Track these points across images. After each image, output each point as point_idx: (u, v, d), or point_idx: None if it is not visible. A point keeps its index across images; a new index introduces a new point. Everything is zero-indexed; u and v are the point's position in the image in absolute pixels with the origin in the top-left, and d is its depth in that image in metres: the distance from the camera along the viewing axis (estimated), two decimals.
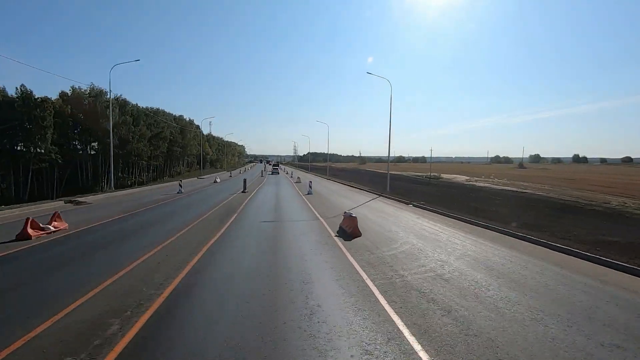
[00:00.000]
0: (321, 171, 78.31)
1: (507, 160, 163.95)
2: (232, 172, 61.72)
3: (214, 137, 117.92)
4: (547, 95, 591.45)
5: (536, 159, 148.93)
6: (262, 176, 49.27)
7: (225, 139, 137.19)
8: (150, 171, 63.58)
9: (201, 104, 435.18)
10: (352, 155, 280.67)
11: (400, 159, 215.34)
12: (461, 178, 63.71)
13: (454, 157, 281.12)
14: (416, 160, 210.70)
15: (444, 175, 67.00)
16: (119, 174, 50.15)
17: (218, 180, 35.57)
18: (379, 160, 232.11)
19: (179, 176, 69.02)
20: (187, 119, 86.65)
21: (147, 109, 56.17)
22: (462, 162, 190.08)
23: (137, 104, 52.52)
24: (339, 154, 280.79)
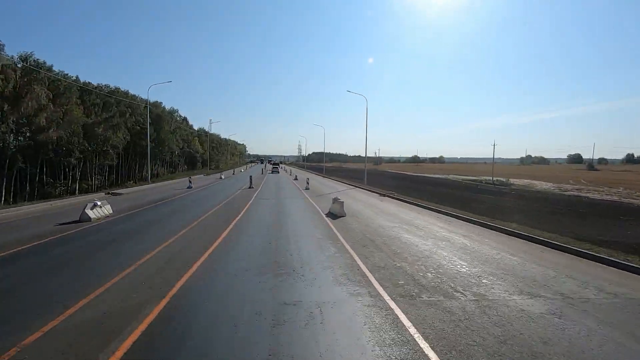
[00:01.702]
0: (337, 174, 60.10)
1: (542, 161, 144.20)
2: (191, 178, 32.92)
3: (206, 133, 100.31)
4: (552, 95, 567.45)
5: (577, 158, 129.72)
6: (250, 187, 28.11)
7: (215, 136, 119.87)
8: (105, 173, 45.89)
9: (203, 105, 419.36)
10: (359, 156, 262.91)
11: (415, 159, 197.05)
12: (541, 185, 45.27)
13: (459, 157, 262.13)
14: (433, 160, 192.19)
15: (513, 181, 48.44)
16: (39, 179, 32.48)
17: (100, 213, 12.74)
18: (390, 160, 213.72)
19: (150, 181, 51.27)
20: (169, 108, 68.99)
21: (90, 84, 38.43)
22: (485, 163, 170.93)
23: (69, 75, 34.69)
24: (344, 153, 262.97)
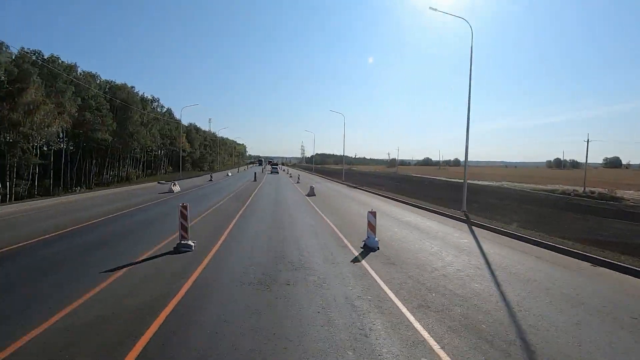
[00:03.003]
0: (357, 179, 46.20)
1: (574, 165, 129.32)
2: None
3: (197, 129, 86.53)
4: (552, 96, 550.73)
5: (615, 162, 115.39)
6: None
7: (210, 134, 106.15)
8: (32, 176, 32.29)
9: (203, 105, 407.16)
10: (364, 158, 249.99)
11: (427, 161, 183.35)
12: None
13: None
14: (447, 163, 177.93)
15: (619, 193, 34.29)
16: None
17: None
18: (401, 163, 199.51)
19: (107, 187, 37.83)
20: (144, 95, 55.29)
21: None
22: (506, 167, 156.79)
23: None
24: (348, 155, 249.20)
